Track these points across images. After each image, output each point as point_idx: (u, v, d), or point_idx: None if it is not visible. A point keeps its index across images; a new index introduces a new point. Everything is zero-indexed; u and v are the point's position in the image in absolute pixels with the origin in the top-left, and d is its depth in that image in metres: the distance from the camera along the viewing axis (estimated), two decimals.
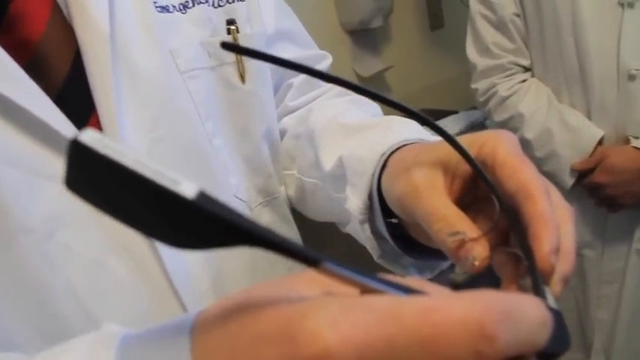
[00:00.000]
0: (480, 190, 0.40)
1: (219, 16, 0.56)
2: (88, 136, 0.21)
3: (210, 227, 0.21)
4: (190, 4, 0.54)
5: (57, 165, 0.42)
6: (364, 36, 1.74)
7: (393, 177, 0.43)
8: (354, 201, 0.48)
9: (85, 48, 0.45)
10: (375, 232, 0.49)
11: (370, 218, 0.48)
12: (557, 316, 0.27)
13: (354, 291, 0.24)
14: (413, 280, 0.26)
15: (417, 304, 0.22)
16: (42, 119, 0.41)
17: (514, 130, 1.23)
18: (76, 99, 0.44)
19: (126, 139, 0.46)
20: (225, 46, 0.28)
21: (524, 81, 1.23)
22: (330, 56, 0.71)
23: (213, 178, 0.53)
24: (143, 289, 0.46)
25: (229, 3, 0.56)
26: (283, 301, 0.23)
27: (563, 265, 0.33)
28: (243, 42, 0.56)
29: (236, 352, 0.23)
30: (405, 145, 0.46)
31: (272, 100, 0.61)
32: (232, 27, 0.56)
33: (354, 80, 1.76)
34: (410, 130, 0.49)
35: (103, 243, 0.44)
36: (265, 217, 0.61)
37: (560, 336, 0.26)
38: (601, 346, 1.27)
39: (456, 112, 1.64)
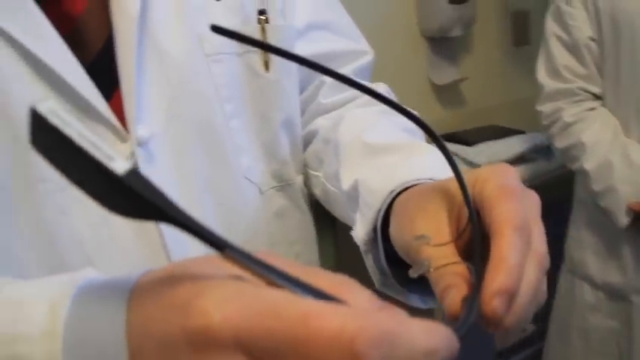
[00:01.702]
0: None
1: (252, 5, 0.57)
2: (45, 107, 0.24)
3: (134, 202, 0.24)
4: None
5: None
6: (443, 44, 1.72)
7: (399, 224, 0.43)
8: (360, 230, 0.48)
9: (117, 29, 0.49)
10: (377, 262, 0.49)
11: (373, 250, 0.48)
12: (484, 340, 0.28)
13: (261, 281, 0.26)
14: (341, 280, 0.26)
15: (302, 305, 0.23)
16: (74, 87, 0.45)
17: (574, 158, 1.18)
18: (105, 74, 0.48)
19: (143, 115, 0.49)
20: (215, 29, 0.29)
21: (592, 109, 1.18)
22: (372, 53, 0.69)
23: (222, 157, 0.56)
24: (141, 248, 0.49)
25: None
26: (200, 277, 0.26)
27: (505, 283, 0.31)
28: (270, 33, 0.58)
29: (153, 314, 0.26)
30: (414, 185, 0.45)
31: (296, 92, 0.62)
32: (262, 17, 0.57)
33: (428, 87, 1.74)
34: (426, 163, 0.48)
35: None
36: (277, 201, 0.62)
37: None
38: None
39: (523, 133, 1.58)
